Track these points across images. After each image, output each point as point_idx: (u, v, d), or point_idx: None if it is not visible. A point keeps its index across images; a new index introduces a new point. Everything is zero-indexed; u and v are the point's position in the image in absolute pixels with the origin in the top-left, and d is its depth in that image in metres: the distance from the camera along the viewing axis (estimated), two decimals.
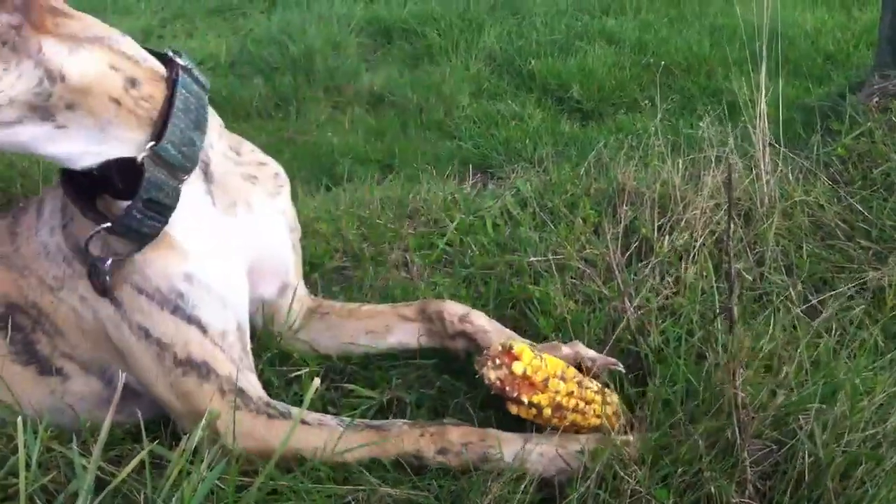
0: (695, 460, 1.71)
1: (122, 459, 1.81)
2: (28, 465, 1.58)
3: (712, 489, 1.66)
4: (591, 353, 2.01)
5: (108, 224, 1.73)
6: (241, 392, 1.81)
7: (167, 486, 1.58)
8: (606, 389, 1.90)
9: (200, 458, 1.61)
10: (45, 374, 1.90)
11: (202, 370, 1.79)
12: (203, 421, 1.70)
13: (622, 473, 1.66)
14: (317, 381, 1.70)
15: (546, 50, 5.34)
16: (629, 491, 1.65)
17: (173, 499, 1.52)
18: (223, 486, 1.64)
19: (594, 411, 1.84)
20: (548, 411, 1.80)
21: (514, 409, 1.81)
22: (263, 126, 4.58)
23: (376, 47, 5.77)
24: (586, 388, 1.86)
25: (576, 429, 1.84)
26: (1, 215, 2.12)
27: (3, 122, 1.62)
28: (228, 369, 1.81)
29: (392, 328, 2.17)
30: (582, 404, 1.84)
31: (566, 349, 2.00)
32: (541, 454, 1.77)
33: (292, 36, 5.62)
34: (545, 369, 1.81)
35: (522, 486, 1.69)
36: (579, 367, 1.96)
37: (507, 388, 1.78)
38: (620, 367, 1.98)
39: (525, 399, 1.78)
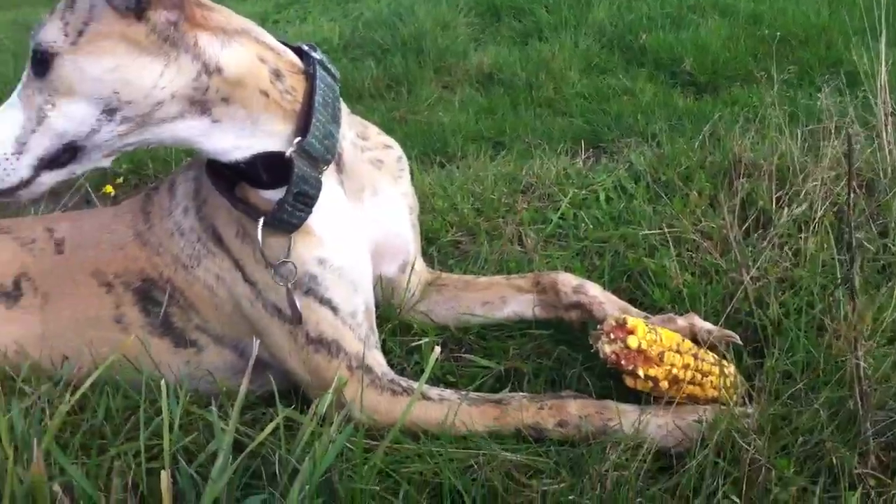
0: (815, 430, 1.70)
1: (256, 422, 1.92)
2: (171, 427, 1.68)
3: (833, 459, 1.65)
4: (707, 325, 2.01)
5: (263, 218, 1.81)
6: (367, 369, 1.89)
7: (300, 447, 1.67)
8: (724, 361, 1.90)
9: (329, 422, 1.69)
10: (181, 346, 2.02)
11: (332, 348, 1.87)
12: (332, 386, 1.79)
13: (741, 443, 1.66)
14: (437, 350, 1.76)
15: (657, 23, 5.25)
16: (748, 460, 1.65)
17: (306, 459, 1.60)
18: (352, 448, 1.72)
19: (711, 383, 1.85)
20: (664, 384, 1.81)
21: (630, 382, 1.84)
22: (376, 107, 4.66)
23: (485, 26, 5.77)
24: (702, 360, 1.86)
25: (694, 400, 1.85)
26: (135, 195, 2.24)
27: (166, 117, 1.72)
28: (357, 347, 1.89)
29: (507, 299, 2.22)
30: (699, 376, 1.84)
31: (681, 321, 2.01)
32: (658, 425, 1.78)
33: (402, 17, 5.68)
34: (660, 343, 1.82)
35: (640, 454, 1.70)
36: (695, 340, 1.96)
37: (623, 362, 1.80)
38: (737, 339, 1.97)
39: (641, 372, 1.80)
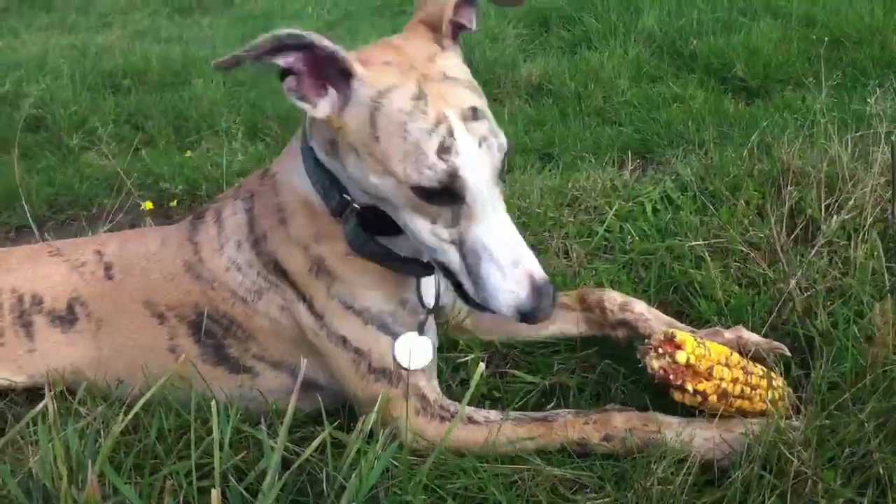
0: (863, 442, 1.68)
1: (305, 441, 1.95)
2: (221, 446, 1.72)
3: (881, 470, 1.64)
4: (755, 337, 2.00)
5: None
6: (422, 397, 1.92)
7: (346, 464, 1.70)
8: (772, 373, 1.88)
9: (376, 439, 1.72)
10: (235, 372, 2.07)
11: (393, 377, 1.90)
12: (377, 404, 1.81)
13: (787, 454, 1.65)
14: (482, 366, 1.78)
15: (708, 28, 5.19)
16: (794, 472, 1.64)
17: (352, 476, 1.63)
18: (397, 465, 1.74)
19: (760, 396, 1.83)
20: (713, 398, 1.80)
21: (678, 397, 1.82)
22: None
23: (534, 37, 5.76)
24: (751, 373, 1.85)
25: (742, 414, 1.84)
26: (178, 222, 2.27)
27: None
28: (415, 378, 1.92)
29: (553, 317, 2.22)
30: (748, 390, 1.83)
31: (728, 334, 2.00)
32: (705, 438, 1.78)
33: None
34: (709, 357, 1.81)
35: (685, 467, 1.70)
36: (742, 352, 1.95)
37: (671, 377, 1.79)
38: (786, 351, 1.96)
39: (690, 387, 1.79)
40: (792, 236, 2.46)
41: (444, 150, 1.58)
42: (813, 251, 2.34)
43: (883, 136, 2.66)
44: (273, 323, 1.99)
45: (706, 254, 2.44)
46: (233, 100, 5.06)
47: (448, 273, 1.72)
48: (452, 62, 1.74)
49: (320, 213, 1.88)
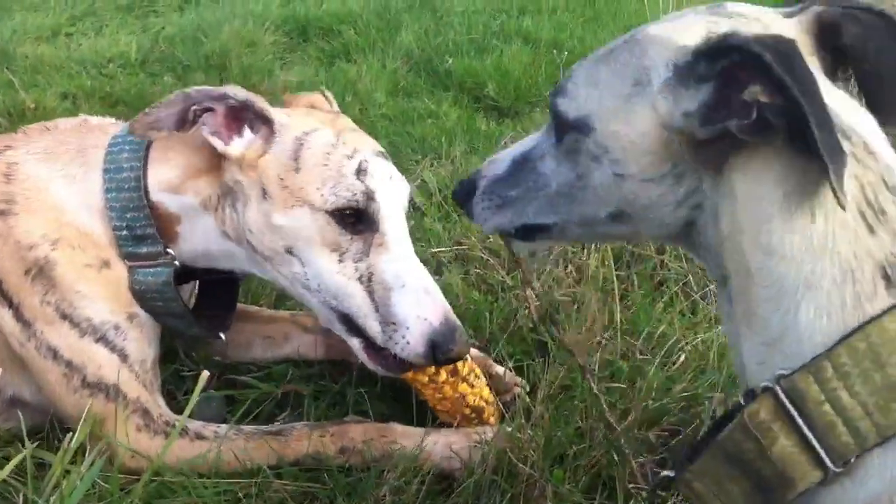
0: (589, 445, 1.72)
1: (7, 462, 1.74)
2: None
3: (610, 472, 1.68)
4: (499, 368, 1.99)
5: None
6: (145, 413, 1.78)
7: (49, 485, 1.53)
8: (466, 386, 1.84)
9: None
10: None
11: (110, 392, 1.75)
12: (82, 422, 1.67)
13: (518, 459, 1.66)
14: (206, 373, 1.65)
15: (463, 49, 5.32)
16: (525, 475, 1.64)
17: (52, 498, 1.46)
18: (106, 485, 1.59)
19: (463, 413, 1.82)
20: None
21: None
22: None
23: (292, 45, 5.68)
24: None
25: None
26: None
27: None
28: (137, 392, 1.78)
29: (290, 336, 2.13)
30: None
31: (475, 353, 1.98)
32: (442, 448, 1.75)
33: (206, 34, 5.51)
34: None
35: (418, 477, 1.67)
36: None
37: None
38: (522, 388, 1.96)
39: None
40: None
41: (361, 171, 1.70)
42: (549, 259, 2.39)
43: None
44: None
45: (455, 259, 2.44)
46: None
47: (349, 323, 1.71)
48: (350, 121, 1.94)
49: (76, 226, 1.75)
